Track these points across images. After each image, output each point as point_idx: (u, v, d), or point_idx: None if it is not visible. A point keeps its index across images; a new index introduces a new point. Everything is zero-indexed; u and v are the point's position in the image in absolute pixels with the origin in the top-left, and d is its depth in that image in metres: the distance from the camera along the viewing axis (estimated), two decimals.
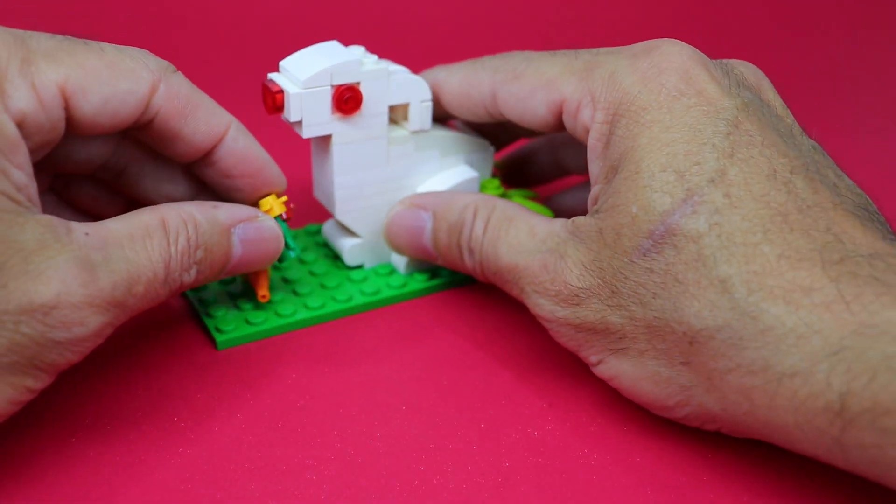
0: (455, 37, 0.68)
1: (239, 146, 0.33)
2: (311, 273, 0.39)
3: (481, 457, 0.30)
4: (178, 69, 0.32)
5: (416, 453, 0.30)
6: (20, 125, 0.27)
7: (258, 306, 0.36)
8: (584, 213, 0.32)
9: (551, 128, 0.34)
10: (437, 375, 0.34)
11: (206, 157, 0.33)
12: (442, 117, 0.39)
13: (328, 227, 0.41)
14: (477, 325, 0.37)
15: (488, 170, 0.41)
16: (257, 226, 0.33)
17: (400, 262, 0.39)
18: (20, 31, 0.29)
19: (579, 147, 0.40)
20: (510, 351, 0.35)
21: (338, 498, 0.28)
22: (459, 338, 0.36)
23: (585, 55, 0.33)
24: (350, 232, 0.39)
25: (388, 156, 0.38)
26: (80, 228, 0.28)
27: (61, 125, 0.29)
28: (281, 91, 0.34)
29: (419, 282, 0.39)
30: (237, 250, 0.33)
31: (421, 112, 0.38)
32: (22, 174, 0.27)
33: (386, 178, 0.38)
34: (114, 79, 0.30)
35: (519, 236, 0.32)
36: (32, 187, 0.28)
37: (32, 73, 0.28)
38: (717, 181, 0.27)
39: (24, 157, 0.27)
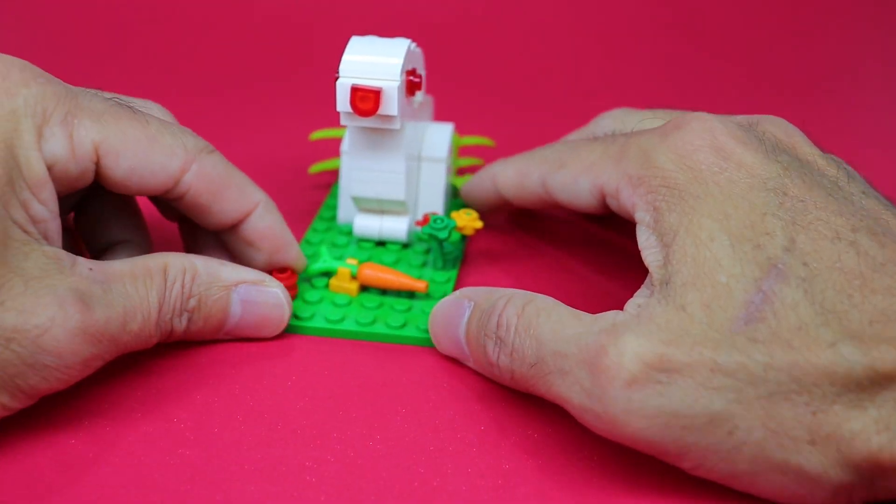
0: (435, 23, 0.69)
1: (263, 224, 0.35)
2: (388, 264, 0.40)
3: (481, 458, 0.30)
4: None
5: (415, 455, 0.30)
6: (50, 168, 0.29)
7: (412, 302, 0.37)
8: None
9: (599, 210, 0.35)
10: (436, 377, 0.34)
11: (232, 227, 0.35)
12: (500, 206, 0.41)
13: (363, 222, 0.41)
14: None
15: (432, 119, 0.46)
16: (260, 289, 0.34)
17: (402, 229, 0.40)
18: (76, 88, 0.31)
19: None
20: None
21: (337, 500, 0.28)
22: None
23: (621, 139, 0.33)
24: (390, 214, 0.40)
25: (409, 127, 0.39)
26: (85, 263, 0.29)
27: (89, 177, 0.31)
28: (380, 90, 0.35)
29: None
30: (236, 309, 0.33)
31: (424, 82, 0.39)
32: (44, 209, 0.29)
33: (410, 150, 0.39)
34: (149, 150, 0.32)
35: (562, 321, 0.29)
36: (53, 224, 0.30)
37: (73, 126, 0.30)
38: (792, 250, 0.27)
39: (48, 195, 0.29)
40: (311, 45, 0.66)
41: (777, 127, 0.32)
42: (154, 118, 0.32)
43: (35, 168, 0.29)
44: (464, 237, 0.39)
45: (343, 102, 0.35)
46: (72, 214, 0.37)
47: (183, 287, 0.32)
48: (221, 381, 0.33)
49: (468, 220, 0.38)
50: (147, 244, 0.37)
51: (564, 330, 0.28)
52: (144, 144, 0.31)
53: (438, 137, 0.42)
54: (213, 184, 0.33)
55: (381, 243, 0.41)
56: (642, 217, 0.30)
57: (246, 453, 0.29)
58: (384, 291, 0.38)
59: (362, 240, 0.41)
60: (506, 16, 0.71)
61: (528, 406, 0.32)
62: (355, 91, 0.35)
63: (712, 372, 0.26)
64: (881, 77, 0.67)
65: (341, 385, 0.33)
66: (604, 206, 0.34)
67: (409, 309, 0.36)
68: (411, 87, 0.37)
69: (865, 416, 0.25)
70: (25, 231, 0.28)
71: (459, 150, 0.49)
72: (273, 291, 0.34)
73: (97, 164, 0.31)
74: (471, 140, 0.48)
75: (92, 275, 0.29)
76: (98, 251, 0.36)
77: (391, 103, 0.35)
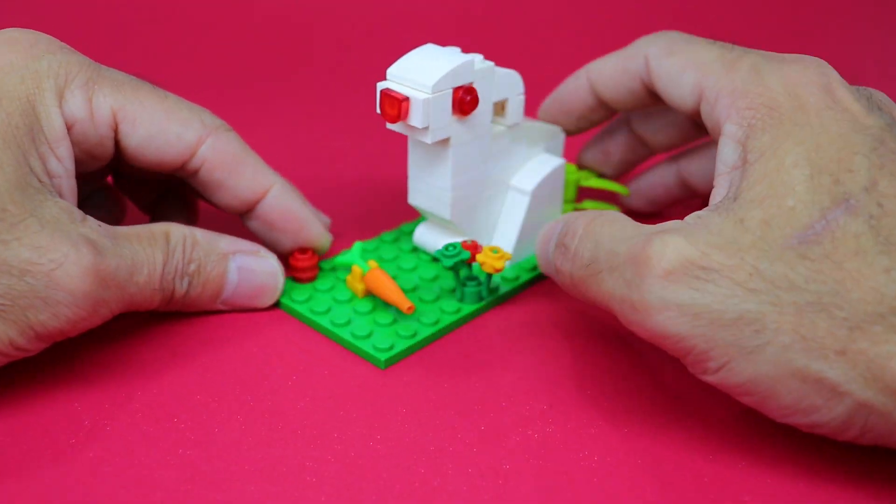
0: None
1: (280, 205, 0.36)
2: (423, 279, 0.39)
3: (481, 459, 0.30)
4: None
5: (415, 455, 0.30)
6: (69, 128, 0.32)
7: (398, 319, 0.36)
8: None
9: (690, 110, 0.35)
10: (436, 378, 0.34)
11: (249, 210, 0.36)
12: (588, 112, 0.41)
13: (422, 232, 0.40)
14: (477, 327, 0.37)
15: (561, 154, 0.43)
16: (257, 258, 0.36)
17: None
18: (100, 64, 0.33)
19: (659, 119, 0.41)
20: (509, 352, 0.35)
21: (337, 500, 0.28)
22: (458, 340, 0.36)
23: (739, 50, 0.34)
24: (451, 232, 0.39)
25: (489, 152, 0.38)
26: (95, 221, 0.31)
27: (109, 144, 0.33)
28: (407, 99, 0.34)
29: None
30: (233, 276, 0.35)
31: (517, 105, 0.39)
32: (59, 165, 0.31)
33: (487, 174, 0.39)
34: (166, 121, 0.33)
35: (623, 228, 0.30)
36: (66, 182, 0.32)
37: (93, 91, 0.32)
38: (871, 190, 0.27)
39: (65, 152, 0.31)
40: (312, 44, 0.67)
41: (881, 96, 0.32)
42: (172, 94, 0.34)
43: (54, 124, 0.31)
44: (490, 276, 0.37)
45: (378, 105, 0.35)
46: (110, 178, 0.40)
47: (184, 251, 0.33)
48: (222, 381, 0.33)
49: (490, 258, 0.36)
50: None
51: (622, 233, 0.30)
52: (161, 115, 0.33)
53: (536, 170, 0.40)
54: (227, 160, 0.35)
55: (436, 258, 0.40)
56: (732, 131, 0.31)
57: (246, 453, 0.29)
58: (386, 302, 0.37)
59: (422, 250, 0.41)
60: (505, 15, 0.71)
61: (528, 406, 0.32)
62: (384, 96, 0.35)
63: (751, 276, 0.26)
64: (881, 77, 0.67)
65: (341, 385, 0.33)
66: (697, 109, 0.34)
67: (392, 323, 0.35)
68: (462, 105, 0.35)
69: None
70: (41, 181, 0.30)
71: (585, 191, 0.45)
72: (268, 261, 0.36)
73: (115, 130, 0.33)
74: (600, 183, 0.44)
75: (101, 230, 0.31)
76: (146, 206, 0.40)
77: (417, 114, 0.34)
